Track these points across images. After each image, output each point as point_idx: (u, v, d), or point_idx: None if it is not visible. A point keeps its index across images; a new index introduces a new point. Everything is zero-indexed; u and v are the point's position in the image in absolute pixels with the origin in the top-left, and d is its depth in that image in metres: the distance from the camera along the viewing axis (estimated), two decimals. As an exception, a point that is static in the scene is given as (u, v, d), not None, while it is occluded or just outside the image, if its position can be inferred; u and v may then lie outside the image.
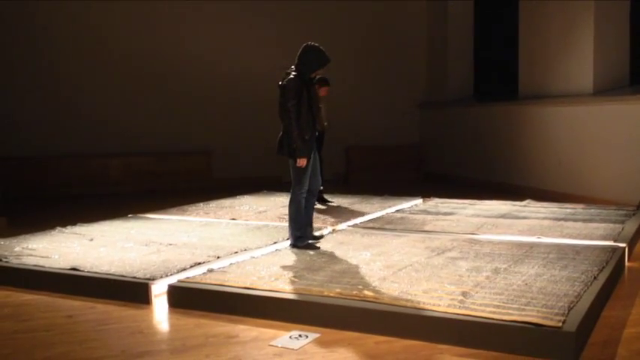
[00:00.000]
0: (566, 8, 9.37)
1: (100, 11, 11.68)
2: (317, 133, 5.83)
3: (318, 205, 7.88)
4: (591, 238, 5.92)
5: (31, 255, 5.62)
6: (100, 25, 11.70)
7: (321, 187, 6.03)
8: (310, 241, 5.88)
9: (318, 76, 8.33)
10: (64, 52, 11.52)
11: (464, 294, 4.10)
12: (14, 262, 5.43)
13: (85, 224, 7.15)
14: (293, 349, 3.72)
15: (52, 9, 11.38)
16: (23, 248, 5.91)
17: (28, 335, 4.11)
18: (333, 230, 6.63)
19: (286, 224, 6.98)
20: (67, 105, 11.50)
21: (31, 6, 11.29)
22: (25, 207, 9.78)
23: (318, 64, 5.63)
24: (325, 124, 8.01)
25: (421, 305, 3.93)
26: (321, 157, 8.35)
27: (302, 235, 5.81)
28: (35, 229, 6.99)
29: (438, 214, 7.56)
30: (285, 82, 5.59)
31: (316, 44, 5.67)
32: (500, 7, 12.19)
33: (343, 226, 6.88)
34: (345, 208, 8.14)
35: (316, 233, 6.20)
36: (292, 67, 5.66)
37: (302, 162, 5.60)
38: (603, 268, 4.80)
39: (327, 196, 8.60)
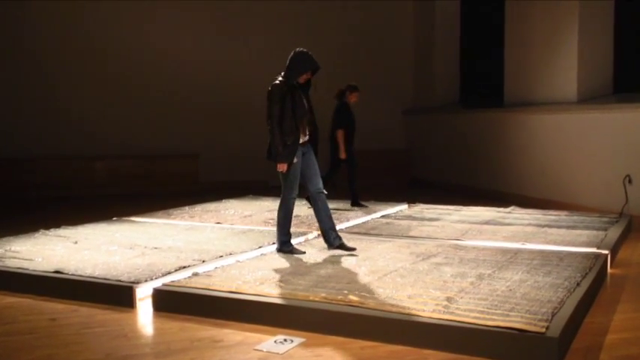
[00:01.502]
0: (551, 17, 9.46)
1: (88, 14, 11.63)
2: (307, 138, 5.75)
3: (308, 205, 7.84)
4: (575, 245, 5.97)
5: (14, 257, 5.58)
6: (87, 28, 11.66)
7: (325, 192, 5.89)
8: (336, 249, 5.70)
9: (351, 84, 8.47)
10: (50, 54, 11.45)
11: (448, 299, 4.13)
12: (-3, 264, 5.39)
13: (70, 227, 7.11)
14: (278, 354, 3.72)
15: (39, 10, 11.33)
16: (6, 250, 5.86)
17: (10, 338, 4.08)
18: (319, 235, 6.62)
19: (272, 228, 6.99)
20: (52, 107, 11.44)
21: (18, 7, 11.23)
22: (9, 209, 9.70)
23: (304, 69, 5.59)
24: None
25: (406, 310, 3.95)
26: (356, 160, 8.41)
27: (288, 240, 5.79)
28: (19, 231, 6.92)
29: (423, 219, 7.60)
30: (269, 87, 5.61)
31: (305, 50, 5.68)
32: (486, 14, 12.28)
33: (329, 230, 6.87)
34: (331, 212, 8.13)
35: (348, 244, 5.80)
36: (282, 72, 5.68)
37: (282, 167, 5.58)
38: (586, 274, 4.84)
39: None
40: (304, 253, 5.70)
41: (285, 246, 5.76)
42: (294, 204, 5.80)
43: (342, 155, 8.36)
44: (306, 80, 5.71)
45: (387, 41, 13.46)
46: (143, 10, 11.98)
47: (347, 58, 13.04)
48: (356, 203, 8.64)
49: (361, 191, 8.76)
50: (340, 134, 8.31)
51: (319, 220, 5.82)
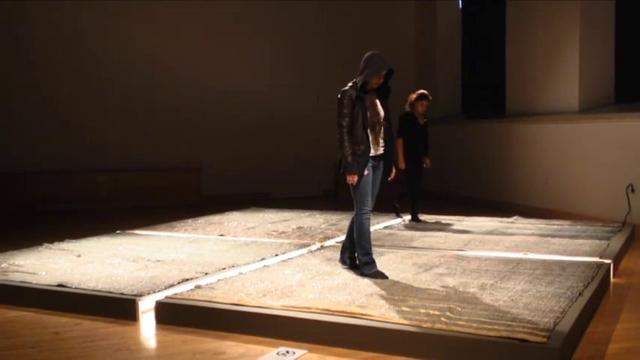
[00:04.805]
0: (552, 28, 9.50)
1: (91, 30, 11.73)
2: (382, 151, 5.29)
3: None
4: (577, 255, 5.96)
5: (17, 271, 5.60)
6: (91, 43, 11.74)
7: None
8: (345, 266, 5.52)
9: (419, 91, 8.31)
10: (54, 68, 11.54)
11: (450, 310, 4.13)
12: (1, 278, 5.40)
13: (73, 240, 7.13)
14: (280, 366, 3.72)
15: (44, 26, 11.43)
16: (10, 264, 5.88)
17: (14, 352, 4.09)
18: (321, 246, 6.65)
19: (274, 240, 7.01)
20: (55, 120, 11.51)
21: (23, 23, 11.32)
22: (13, 223, 9.73)
23: (373, 72, 5.11)
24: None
25: (408, 321, 3.95)
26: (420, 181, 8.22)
27: (370, 261, 5.24)
28: (22, 245, 6.95)
29: (425, 230, 7.60)
30: (339, 94, 5.22)
31: (376, 52, 5.21)
32: (487, 26, 12.34)
33: (331, 242, 6.89)
34: (334, 224, 8.16)
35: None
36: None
37: (352, 179, 5.12)
38: (589, 284, 4.84)
39: (316, 212, 8.60)
40: (387, 277, 5.14)
41: (367, 268, 5.21)
42: (368, 220, 5.26)
43: (401, 164, 8.21)
44: (381, 85, 5.27)
45: (388, 54, 13.45)
46: (147, 27, 12.06)
47: (348, 69, 13.06)
48: (415, 218, 8.41)
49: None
50: (399, 143, 8.03)
51: (347, 234, 5.58)
